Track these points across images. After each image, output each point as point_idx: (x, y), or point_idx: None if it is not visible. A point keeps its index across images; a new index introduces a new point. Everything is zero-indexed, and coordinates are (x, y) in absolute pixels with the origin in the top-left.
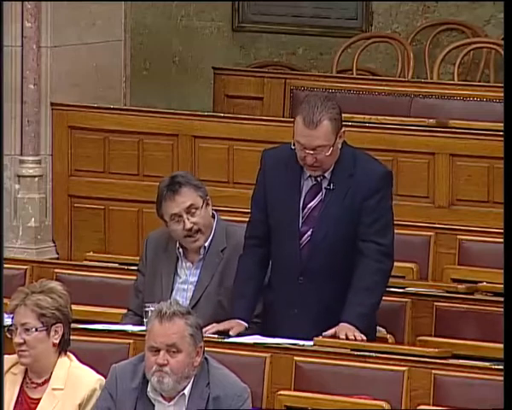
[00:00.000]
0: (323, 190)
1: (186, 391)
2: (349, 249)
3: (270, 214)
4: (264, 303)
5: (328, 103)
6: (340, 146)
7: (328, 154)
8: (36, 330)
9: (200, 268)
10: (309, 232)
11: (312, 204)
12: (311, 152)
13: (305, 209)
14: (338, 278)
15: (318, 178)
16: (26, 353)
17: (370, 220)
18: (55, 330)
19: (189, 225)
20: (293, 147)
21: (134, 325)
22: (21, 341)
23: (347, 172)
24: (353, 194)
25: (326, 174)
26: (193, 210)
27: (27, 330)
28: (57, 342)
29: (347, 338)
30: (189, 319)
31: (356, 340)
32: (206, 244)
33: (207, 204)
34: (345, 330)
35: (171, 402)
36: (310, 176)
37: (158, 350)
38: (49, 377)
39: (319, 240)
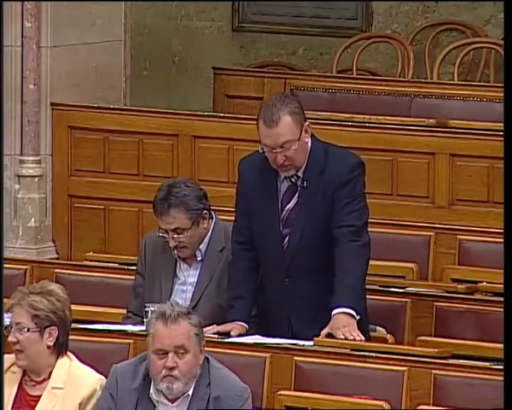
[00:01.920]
0: (299, 189)
1: (190, 392)
2: (329, 244)
3: (252, 221)
4: (257, 307)
5: (286, 100)
6: (307, 140)
7: (295, 148)
8: (28, 330)
9: (199, 269)
10: (289, 234)
11: (290, 206)
12: (279, 150)
13: (284, 211)
14: (324, 275)
15: (293, 179)
16: (22, 355)
17: (340, 207)
18: (50, 333)
19: (172, 244)
20: (261, 151)
21: (134, 325)
22: (15, 340)
23: (319, 168)
24: (325, 188)
25: (299, 173)
26: (179, 231)
27: (20, 329)
28: (51, 344)
29: (346, 339)
30: (193, 318)
31: (355, 340)
32: (203, 247)
33: (199, 223)
34: (340, 329)
35: (175, 403)
36: (285, 178)
37: (165, 353)
38: (49, 375)
39: (297, 240)
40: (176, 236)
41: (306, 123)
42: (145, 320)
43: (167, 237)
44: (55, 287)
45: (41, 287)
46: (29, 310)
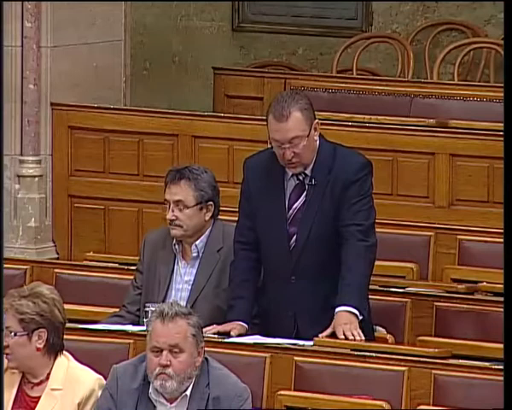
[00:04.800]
0: (306, 187)
1: (188, 392)
2: (336, 242)
3: (257, 221)
4: (259, 308)
5: (296, 96)
6: (316, 138)
7: (304, 144)
8: (15, 334)
9: (195, 268)
10: (296, 233)
11: (297, 204)
12: (288, 145)
13: (291, 210)
14: (330, 274)
15: (300, 177)
16: (10, 356)
17: (348, 206)
18: (39, 335)
19: (170, 216)
20: (269, 146)
21: (133, 325)
22: (5, 344)
23: (327, 168)
24: (332, 188)
25: (307, 171)
26: (181, 206)
27: (10, 333)
28: (41, 346)
29: (346, 338)
30: (191, 319)
31: (355, 339)
32: (200, 245)
33: (202, 208)
34: (341, 326)
35: (174, 404)
36: (292, 176)
37: (160, 351)
38: (46, 377)
39: (304, 239)
40: (176, 209)
41: (316, 121)
42: (145, 320)
43: (169, 207)
44: (43, 288)
45: (29, 289)
46: (15, 314)
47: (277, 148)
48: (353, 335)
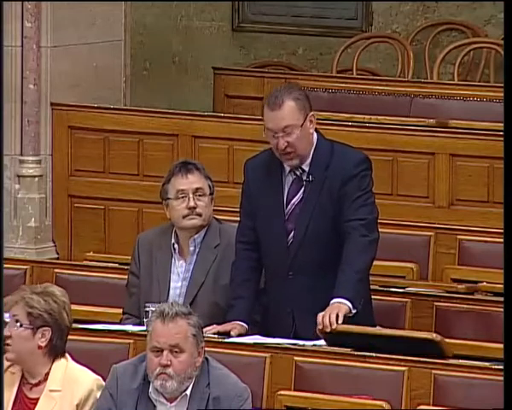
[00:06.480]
0: (304, 184)
1: (188, 392)
2: (334, 239)
3: (257, 219)
4: (260, 306)
5: (292, 87)
6: (311, 131)
7: (297, 134)
8: (21, 325)
9: (193, 264)
10: (293, 229)
11: (295, 200)
12: (281, 134)
13: (289, 206)
14: (328, 271)
15: (298, 172)
16: (10, 348)
17: (350, 202)
18: (42, 333)
19: (192, 203)
20: (263, 135)
21: (134, 325)
22: (8, 334)
23: (324, 164)
24: (330, 184)
25: (304, 167)
26: (199, 193)
27: (15, 322)
28: (43, 345)
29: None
30: (191, 319)
31: (330, 326)
32: (197, 238)
33: (212, 198)
34: (326, 311)
35: (173, 403)
36: (290, 171)
37: (161, 351)
38: (44, 377)
39: (301, 235)
40: (195, 198)
41: (311, 113)
42: (145, 320)
43: (187, 197)
44: (55, 289)
45: (42, 287)
46: (24, 307)
47: (271, 138)
48: (330, 321)
